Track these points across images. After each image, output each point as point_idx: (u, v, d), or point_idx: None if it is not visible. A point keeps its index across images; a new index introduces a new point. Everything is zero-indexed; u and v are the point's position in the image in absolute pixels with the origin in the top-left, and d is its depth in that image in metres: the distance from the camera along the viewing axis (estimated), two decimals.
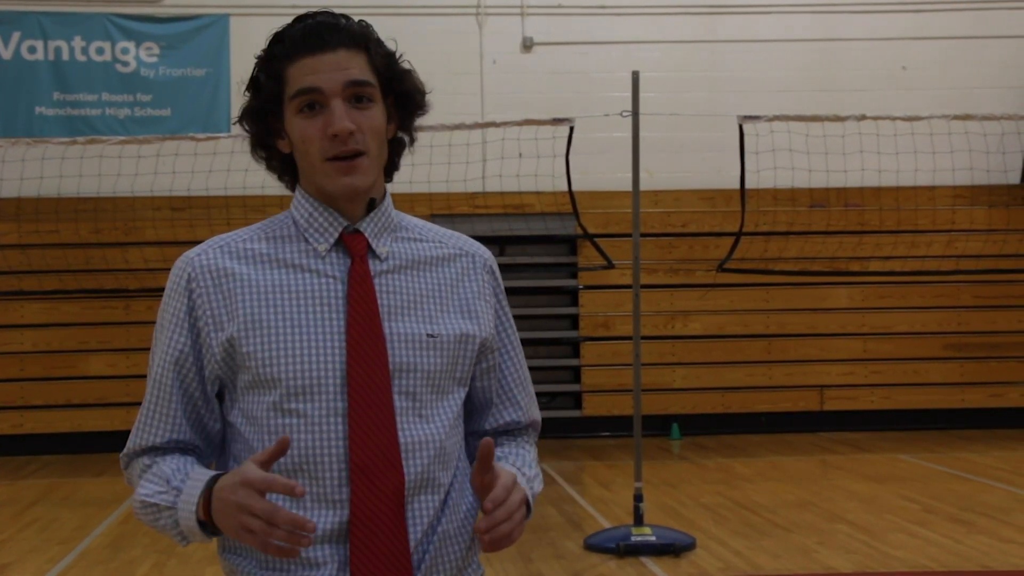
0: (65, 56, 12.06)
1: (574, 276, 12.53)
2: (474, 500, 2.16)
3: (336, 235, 2.10)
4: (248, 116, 2.12)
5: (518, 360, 2.27)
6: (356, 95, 2.05)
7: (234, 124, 2.20)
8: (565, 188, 9.94)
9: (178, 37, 12.14)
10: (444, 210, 11.95)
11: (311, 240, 2.11)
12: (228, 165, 10.59)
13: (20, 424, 11.84)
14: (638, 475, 7.40)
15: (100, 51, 12.10)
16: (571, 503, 8.86)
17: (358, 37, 2.08)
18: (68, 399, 11.82)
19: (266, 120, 2.11)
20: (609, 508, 8.55)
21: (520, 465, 2.19)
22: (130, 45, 12.11)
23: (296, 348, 2.03)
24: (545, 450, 11.28)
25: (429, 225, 2.24)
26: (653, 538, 7.08)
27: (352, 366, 2.03)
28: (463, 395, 2.16)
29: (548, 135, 10.52)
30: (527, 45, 12.60)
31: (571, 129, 9.36)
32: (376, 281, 2.09)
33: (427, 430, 2.06)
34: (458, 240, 2.23)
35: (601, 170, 12.07)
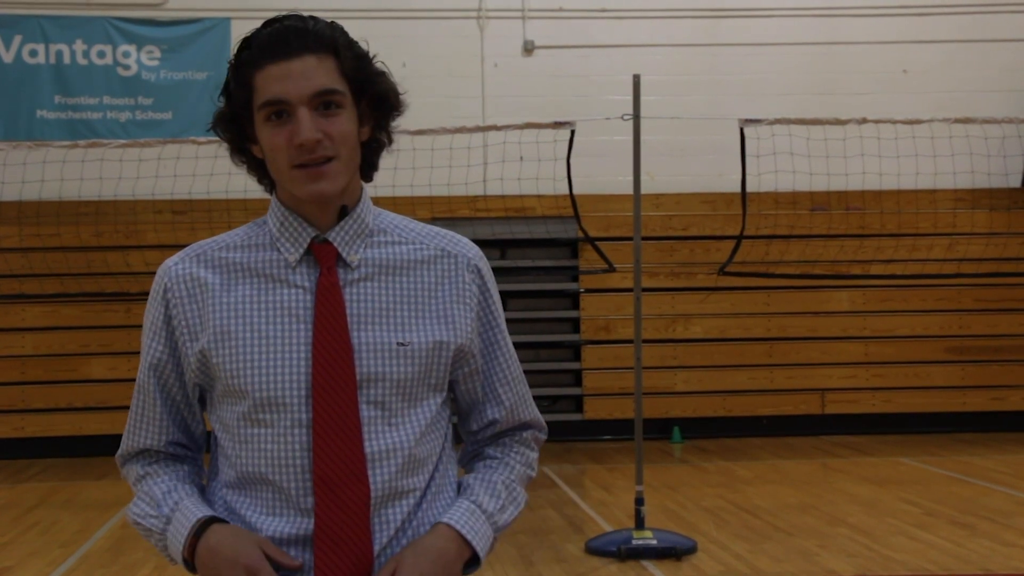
0: (66, 59, 12.06)
1: (575, 279, 12.52)
2: (450, 503, 2.16)
3: (305, 245, 2.09)
4: (221, 123, 2.11)
5: (505, 359, 2.23)
6: (324, 103, 2.03)
7: (208, 130, 2.17)
8: (566, 191, 9.94)
9: (179, 40, 12.14)
10: (445, 213, 11.95)
11: (282, 250, 2.10)
12: (229, 168, 10.51)
13: (21, 427, 11.83)
14: (639, 478, 7.40)
15: (101, 54, 12.10)
16: (572, 506, 8.86)
17: (326, 41, 2.04)
18: (69, 402, 11.82)
19: (240, 125, 2.10)
20: (610, 511, 8.55)
21: (484, 499, 2.16)
22: (131, 48, 12.11)
23: (262, 360, 2.04)
24: (546, 453, 11.26)
25: (413, 225, 2.21)
26: (654, 541, 7.08)
27: (317, 378, 2.02)
28: (440, 400, 2.14)
29: (549, 138, 10.52)
30: (528, 48, 12.60)
31: (572, 132, 9.36)
32: (346, 290, 2.08)
33: (396, 438, 2.06)
34: (442, 240, 2.19)
35: (602, 173, 12.07)
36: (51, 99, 12.05)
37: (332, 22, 2.10)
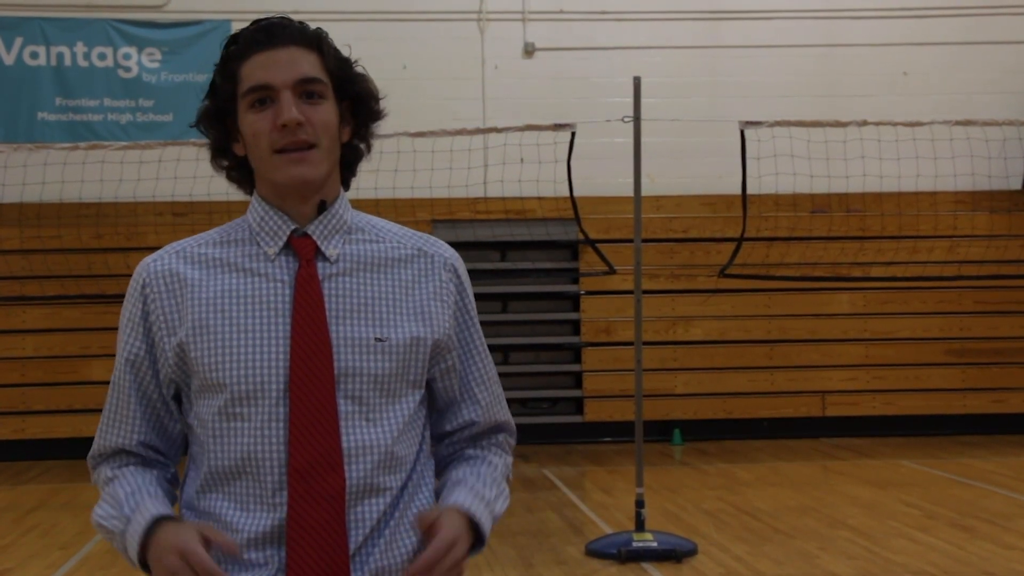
0: (67, 61, 12.07)
1: (576, 281, 12.52)
2: (427, 502, 2.16)
3: (285, 238, 2.10)
4: (206, 119, 2.13)
5: (480, 359, 2.24)
6: (307, 91, 2.06)
7: (191, 128, 2.19)
8: (567, 193, 9.94)
9: (180, 42, 12.15)
10: (446, 215, 11.95)
11: (261, 243, 2.12)
12: None
13: (22, 429, 11.84)
14: (640, 480, 7.40)
15: (102, 56, 12.11)
16: (572, 508, 8.86)
17: (311, 37, 2.10)
18: (70, 404, 11.82)
19: (224, 122, 2.12)
20: (611, 514, 8.55)
21: (480, 488, 2.16)
22: (132, 50, 12.12)
23: (240, 353, 2.04)
24: (547, 455, 11.27)
25: (391, 226, 2.22)
26: (655, 544, 7.08)
27: (295, 371, 2.03)
28: (419, 398, 2.14)
29: (550, 140, 10.52)
30: (529, 50, 12.61)
31: (572, 134, 9.36)
32: (325, 284, 2.09)
33: (373, 434, 2.06)
34: (419, 240, 2.20)
35: (603, 175, 12.07)
36: (52, 101, 12.06)
37: (319, 28, 2.14)
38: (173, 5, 12.28)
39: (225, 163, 2.17)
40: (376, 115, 2.18)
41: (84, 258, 11.69)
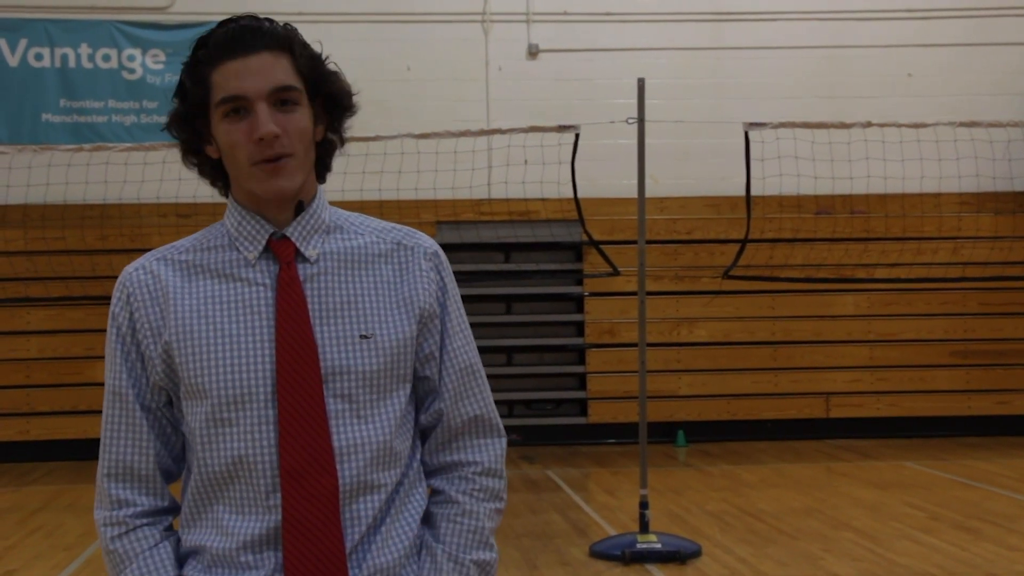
0: (71, 63, 12.08)
1: (580, 283, 12.52)
2: (421, 500, 2.16)
3: (264, 242, 2.10)
4: (176, 123, 2.12)
5: (454, 348, 2.20)
6: (281, 99, 2.05)
7: (162, 131, 2.18)
8: (570, 195, 9.93)
9: (184, 44, 11.92)
10: (450, 217, 11.95)
11: (241, 249, 2.11)
12: None
13: (26, 430, 11.85)
14: (643, 482, 7.39)
15: (106, 58, 12.13)
16: (576, 510, 8.86)
17: (282, 40, 2.07)
18: (74, 405, 11.83)
19: (194, 125, 2.11)
20: (615, 515, 8.55)
21: None
22: (136, 52, 12.13)
23: (225, 359, 2.04)
24: (551, 457, 11.27)
25: (370, 221, 2.22)
26: (659, 545, 7.08)
27: (281, 373, 2.03)
28: (408, 392, 2.14)
29: (554, 142, 10.52)
30: (533, 52, 12.61)
31: (576, 136, 9.35)
32: (307, 285, 2.09)
33: (365, 432, 2.06)
34: (397, 233, 2.20)
35: (607, 177, 12.07)
36: (56, 103, 12.07)
37: (287, 24, 2.12)
38: (177, 7, 12.29)
39: (194, 161, 2.16)
40: (348, 111, 2.17)
41: (88, 259, 11.69)
